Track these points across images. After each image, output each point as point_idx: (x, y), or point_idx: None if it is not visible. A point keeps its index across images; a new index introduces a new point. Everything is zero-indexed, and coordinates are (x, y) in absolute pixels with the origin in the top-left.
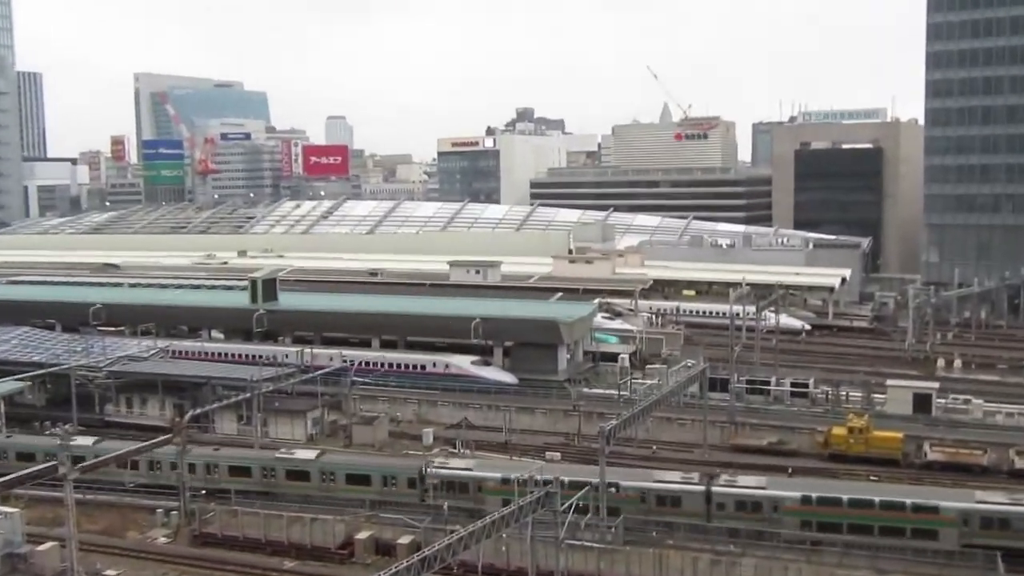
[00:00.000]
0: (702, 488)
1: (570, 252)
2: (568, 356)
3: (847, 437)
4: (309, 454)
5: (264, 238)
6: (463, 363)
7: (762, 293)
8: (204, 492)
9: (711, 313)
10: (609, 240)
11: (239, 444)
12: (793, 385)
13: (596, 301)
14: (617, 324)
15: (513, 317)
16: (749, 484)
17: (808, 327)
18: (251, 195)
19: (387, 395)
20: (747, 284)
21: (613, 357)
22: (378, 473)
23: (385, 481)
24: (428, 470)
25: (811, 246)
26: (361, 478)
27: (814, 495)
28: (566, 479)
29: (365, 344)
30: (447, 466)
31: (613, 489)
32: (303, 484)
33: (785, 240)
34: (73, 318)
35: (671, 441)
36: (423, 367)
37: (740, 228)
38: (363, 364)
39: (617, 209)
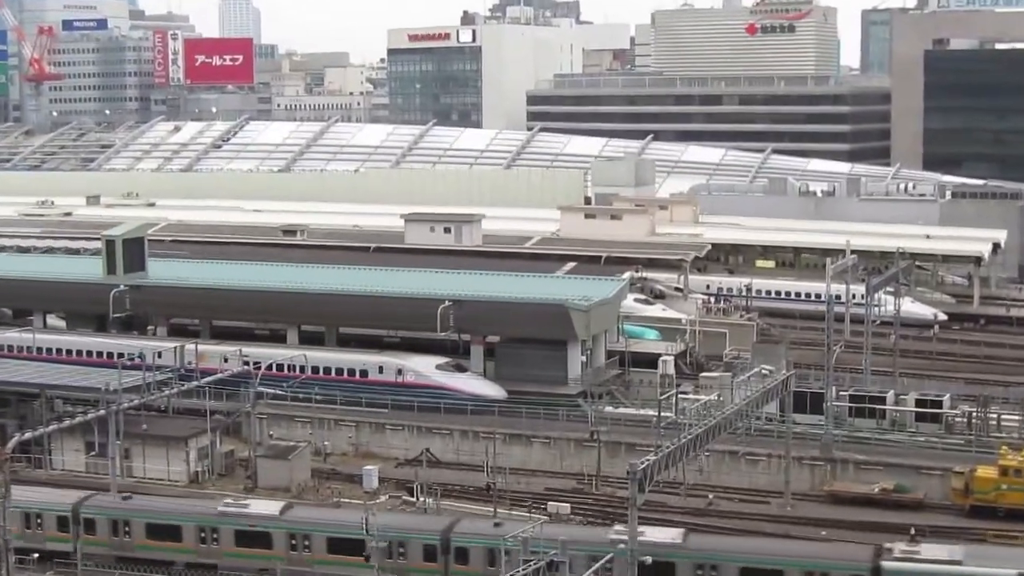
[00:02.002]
0: (866, 563)
1: (587, 201)
2: (583, 358)
3: (999, 482)
4: (271, 507)
5: (126, 177)
6: (425, 367)
7: (875, 266)
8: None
9: (798, 295)
10: (646, 184)
11: (84, 484)
12: (919, 404)
13: (626, 276)
14: (657, 311)
15: (500, 299)
16: (940, 557)
17: (943, 316)
18: (107, 113)
19: (310, 415)
20: (852, 252)
21: (652, 360)
22: (381, 537)
23: (390, 550)
24: (454, 531)
25: (948, 195)
26: (349, 544)
27: None
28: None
29: (277, 338)
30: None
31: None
32: (262, 553)
33: (911, 186)
34: None
35: (736, 487)
36: (364, 373)
37: (843, 167)
38: (274, 368)
39: (658, 137)
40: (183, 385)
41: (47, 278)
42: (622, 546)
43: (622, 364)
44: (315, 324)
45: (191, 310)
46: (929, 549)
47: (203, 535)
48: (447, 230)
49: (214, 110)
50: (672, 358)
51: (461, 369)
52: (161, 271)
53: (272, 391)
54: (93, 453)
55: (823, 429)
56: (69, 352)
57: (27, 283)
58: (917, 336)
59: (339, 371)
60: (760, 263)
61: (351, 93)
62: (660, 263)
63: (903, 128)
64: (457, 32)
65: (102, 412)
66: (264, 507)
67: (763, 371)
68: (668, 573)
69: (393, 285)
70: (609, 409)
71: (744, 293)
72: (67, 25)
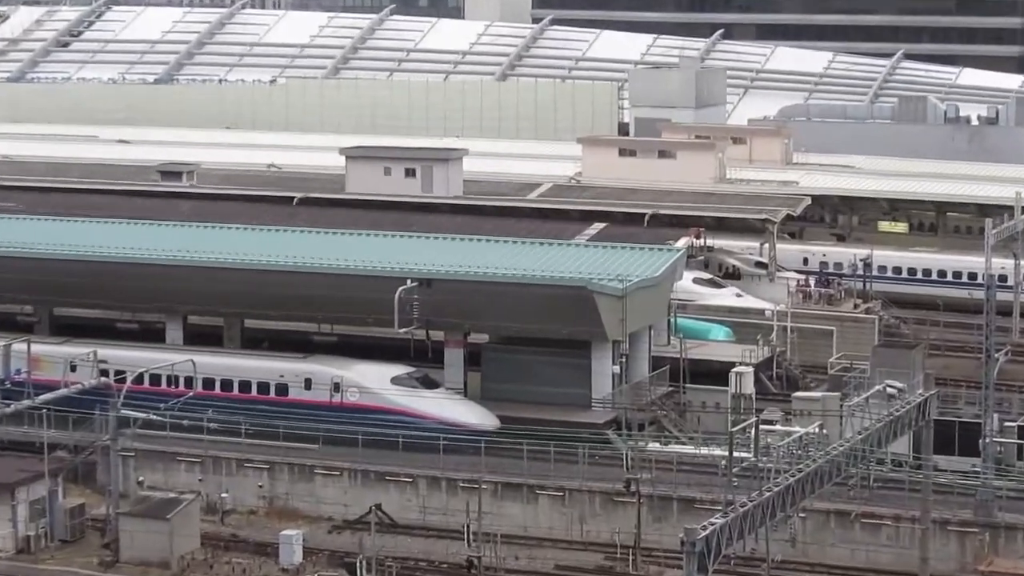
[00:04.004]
0: None
1: (622, 131)
2: (616, 369)
3: None
4: None
5: None
6: (374, 381)
7: None
8: None
9: (943, 275)
10: (713, 104)
11: None
12: None
13: (682, 244)
14: (729, 298)
15: (490, 279)
16: None
17: None
18: None
19: (200, 452)
20: None
21: (720, 372)
22: None
23: None
24: None
25: None
26: None
27: None
28: None
29: (151, 335)
30: None
31: None
32: None
33: None
34: None
35: (847, 566)
36: (283, 389)
37: (1012, 80)
38: (146, 380)
39: (731, 34)
40: (6, 406)
41: None
42: None
43: (675, 378)
44: (208, 314)
45: (19, 292)
46: None
47: None
48: (410, 173)
49: None
50: (751, 370)
51: (430, 384)
52: None
53: (143, 415)
54: None
55: (979, 479)
56: None
57: None
58: None
59: (244, 386)
60: (885, 226)
61: None
62: (734, 225)
63: None
64: None
65: None
66: None
67: (889, 390)
68: None
69: (327, 255)
70: (655, 447)
71: (861, 271)
72: None
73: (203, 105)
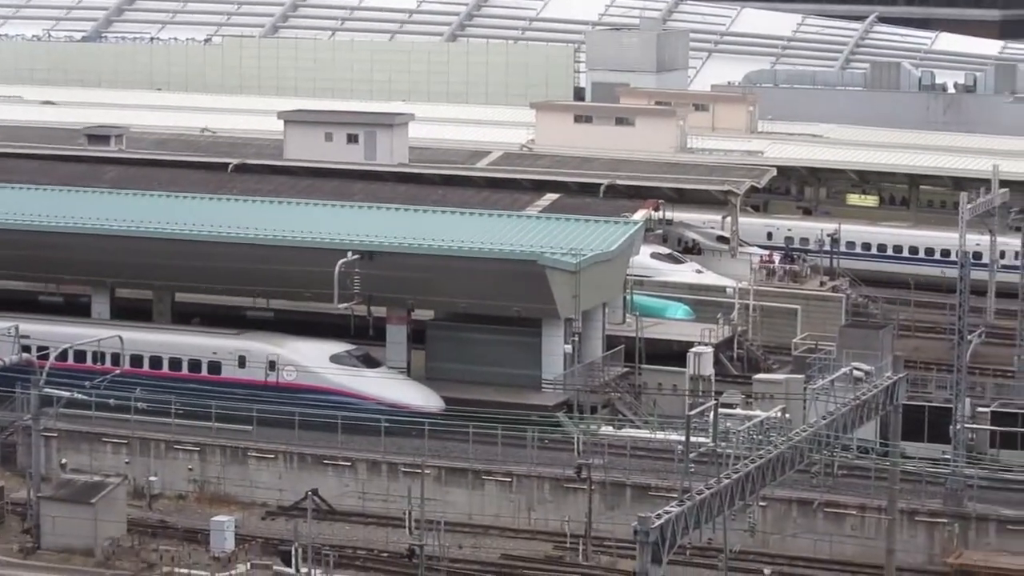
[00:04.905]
0: None
1: (578, 96)
2: (568, 348)
3: None
4: None
5: None
6: (312, 359)
7: None
8: None
9: (914, 252)
10: (674, 69)
11: None
12: None
13: (639, 216)
14: (689, 273)
15: (435, 252)
16: None
17: None
18: None
19: (127, 433)
20: (1003, 184)
21: (678, 353)
22: None
23: None
24: None
25: None
26: None
27: None
28: None
29: (75, 309)
30: None
31: None
32: None
33: None
34: None
35: (810, 557)
36: (215, 367)
37: (990, 46)
38: (69, 357)
39: None
40: None
41: None
42: None
43: (630, 359)
44: (136, 287)
45: None
46: None
47: None
48: (352, 139)
49: None
50: (711, 350)
51: (371, 362)
52: None
53: (67, 394)
54: None
55: (949, 467)
56: None
57: None
58: None
59: (174, 363)
60: (855, 199)
61: None
62: (695, 196)
63: None
64: None
65: None
66: None
67: (856, 373)
68: None
69: (263, 225)
70: (608, 431)
71: (828, 247)
72: None
73: (133, 65)
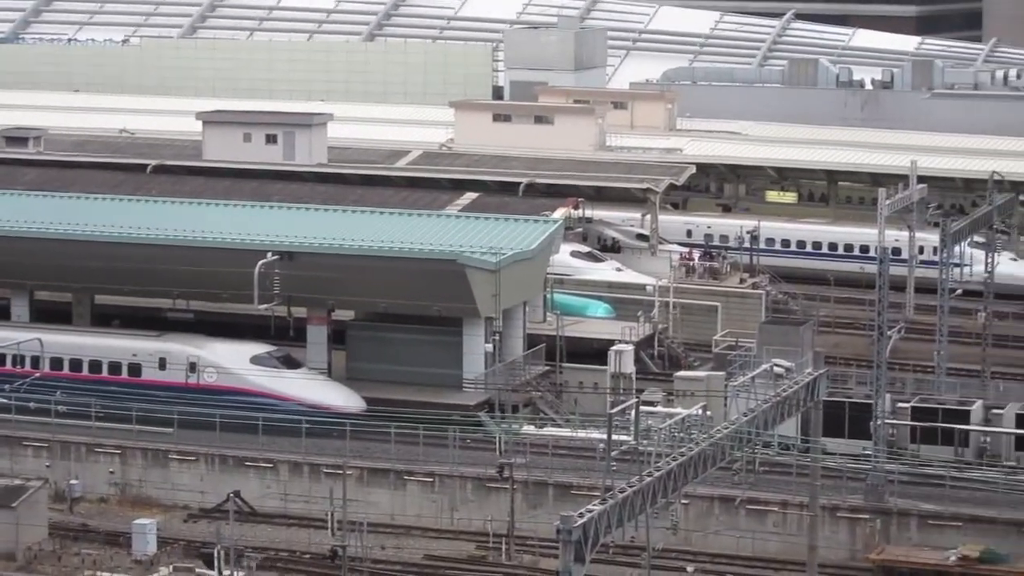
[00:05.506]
0: None
1: (497, 95)
2: (489, 347)
3: None
4: None
5: None
6: (233, 360)
7: (956, 202)
8: None
9: (833, 248)
10: (593, 67)
11: None
12: (1022, 420)
13: (559, 215)
14: (609, 272)
15: (355, 252)
16: None
17: None
18: None
19: (47, 436)
20: (921, 179)
21: (599, 351)
22: None
23: None
24: None
25: None
26: None
27: None
28: None
29: None
30: None
31: None
32: None
33: (1013, 75)
34: None
35: (732, 555)
36: (136, 369)
37: (907, 43)
38: None
39: None
40: None
41: None
42: None
43: (551, 357)
44: (56, 289)
45: None
46: None
47: None
48: (271, 139)
49: None
50: (631, 348)
51: (292, 363)
52: None
53: None
54: None
55: (870, 463)
56: None
57: None
58: (1022, 313)
59: (95, 366)
60: (774, 196)
61: None
62: (614, 195)
63: None
64: None
65: None
66: None
67: (776, 369)
68: None
69: (183, 226)
70: (530, 430)
71: (747, 244)
72: None
73: (51, 66)
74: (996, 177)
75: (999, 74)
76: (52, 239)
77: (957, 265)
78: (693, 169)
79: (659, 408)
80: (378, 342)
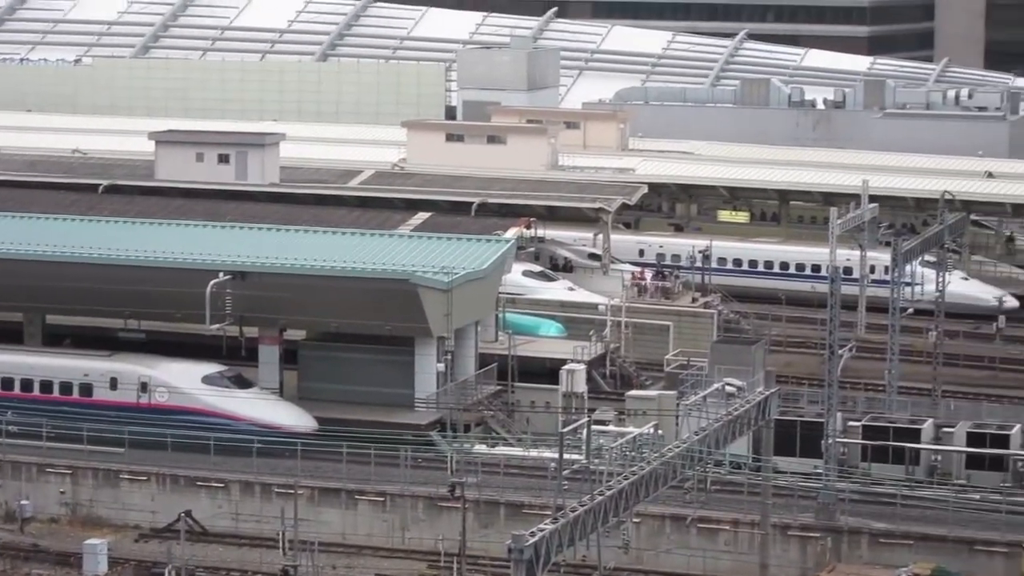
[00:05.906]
0: None
1: (450, 115)
2: (441, 366)
3: None
4: None
5: None
6: (184, 380)
7: (907, 221)
8: None
9: (785, 267)
10: (545, 87)
11: None
12: (973, 440)
13: (511, 234)
14: (560, 292)
15: (307, 272)
16: None
17: (1012, 302)
18: None
19: None
20: (872, 199)
21: (551, 370)
22: None
23: None
24: None
25: None
26: None
27: None
28: None
29: None
30: None
31: None
32: None
33: (964, 94)
34: None
35: (684, 573)
36: (87, 389)
37: (859, 63)
38: None
39: (564, 11)
40: None
41: None
42: None
43: (503, 377)
44: (7, 309)
45: None
46: None
47: None
48: (223, 159)
49: None
50: (583, 367)
51: (243, 383)
52: None
53: None
54: None
55: (821, 481)
56: None
57: None
58: (973, 332)
59: (45, 386)
60: (726, 216)
61: None
62: (566, 214)
63: (956, 2)
64: None
65: None
66: None
67: (728, 388)
68: None
69: (134, 246)
70: (481, 449)
71: (699, 263)
72: None
73: (3, 86)
74: (947, 196)
75: (951, 94)
76: (3, 259)
77: (908, 284)
78: (645, 189)
79: (611, 427)
80: (330, 362)
